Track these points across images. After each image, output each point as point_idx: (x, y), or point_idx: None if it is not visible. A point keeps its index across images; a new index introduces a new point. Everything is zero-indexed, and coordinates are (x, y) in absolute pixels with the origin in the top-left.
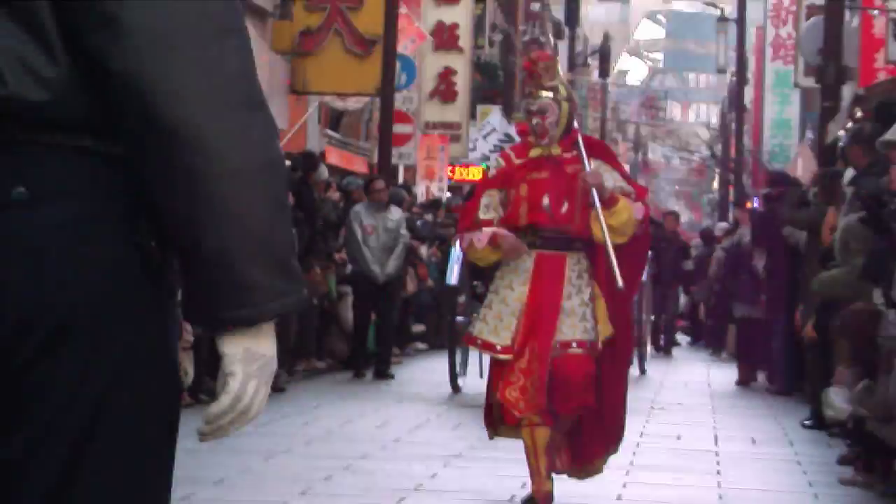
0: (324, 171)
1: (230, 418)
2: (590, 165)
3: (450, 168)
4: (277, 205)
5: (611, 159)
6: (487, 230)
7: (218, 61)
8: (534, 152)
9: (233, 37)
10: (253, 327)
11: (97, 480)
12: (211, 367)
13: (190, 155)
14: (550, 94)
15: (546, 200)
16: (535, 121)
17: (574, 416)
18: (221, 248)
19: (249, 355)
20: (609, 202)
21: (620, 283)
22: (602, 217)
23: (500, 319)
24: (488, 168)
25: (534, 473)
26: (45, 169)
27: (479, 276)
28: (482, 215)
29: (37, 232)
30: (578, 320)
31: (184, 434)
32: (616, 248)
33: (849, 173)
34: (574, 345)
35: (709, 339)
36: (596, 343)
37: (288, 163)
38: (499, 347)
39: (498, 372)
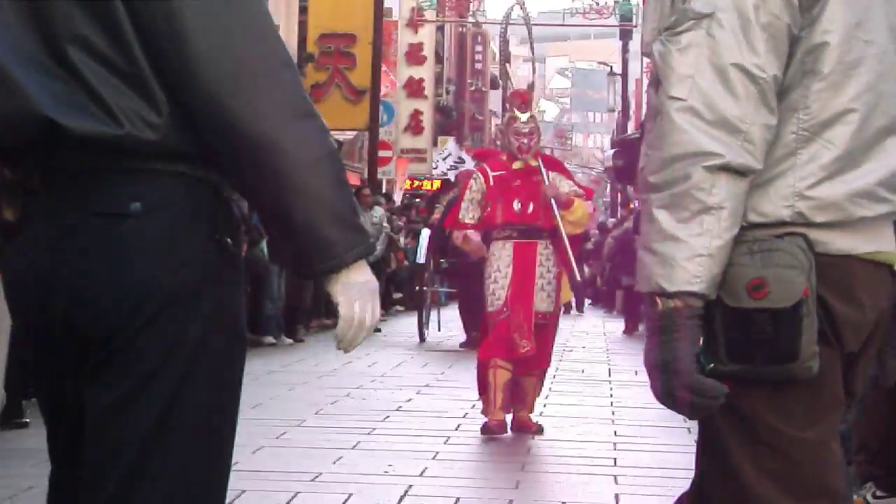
0: None
1: (352, 333)
2: (548, 177)
3: (413, 181)
4: (339, 182)
5: (564, 171)
6: (470, 233)
7: (283, 86)
8: (516, 164)
9: (286, 69)
10: (344, 269)
11: (193, 408)
12: None
13: (271, 158)
14: (533, 121)
15: (517, 204)
16: (524, 140)
17: (539, 372)
18: (307, 220)
19: (346, 287)
20: (567, 204)
21: (578, 277)
22: (559, 217)
23: (494, 294)
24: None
25: (490, 405)
26: (153, 189)
27: (444, 255)
28: (464, 218)
29: (148, 235)
30: (546, 295)
31: None
32: (571, 237)
33: None
34: (542, 317)
35: (604, 301)
36: (555, 313)
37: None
38: (493, 311)
39: (485, 326)
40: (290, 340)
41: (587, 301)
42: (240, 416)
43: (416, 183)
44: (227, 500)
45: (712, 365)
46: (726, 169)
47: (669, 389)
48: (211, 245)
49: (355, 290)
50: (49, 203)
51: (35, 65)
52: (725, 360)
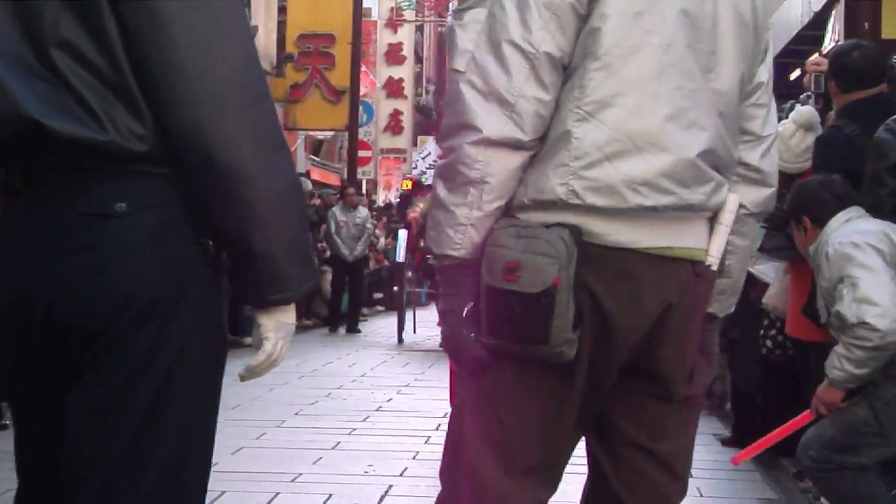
0: (308, 185)
1: (264, 367)
2: None
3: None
4: (301, 215)
5: None
6: None
7: (256, 119)
8: None
9: (265, 99)
10: (285, 305)
11: (176, 408)
12: None
13: (241, 188)
14: None
15: None
16: None
17: None
18: (267, 251)
19: (279, 325)
20: None
21: None
22: None
23: None
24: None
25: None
26: (138, 189)
27: (428, 253)
28: None
29: (133, 235)
30: None
31: None
32: None
33: None
34: None
35: None
36: None
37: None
38: None
39: None
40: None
41: None
42: (220, 417)
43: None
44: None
45: (473, 334)
46: (490, 143)
47: (446, 337)
48: (195, 247)
49: (284, 331)
50: (32, 202)
51: (21, 65)
52: (485, 331)
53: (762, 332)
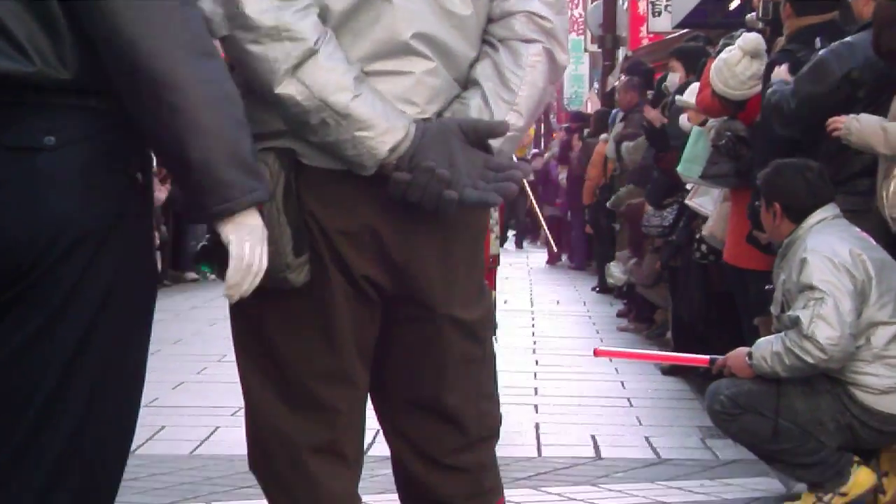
0: None
1: (241, 276)
2: None
3: None
4: (238, 124)
5: None
6: None
7: (182, 24)
8: None
9: (190, 6)
10: (238, 212)
11: (107, 340)
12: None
13: (169, 94)
14: None
15: None
16: None
17: None
18: (203, 159)
19: (240, 225)
20: None
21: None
22: None
23: None
24: None
25: None
26: (67, 123)
27: None
28: None
29: (62, 168)
30: (495, 237)
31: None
32: None
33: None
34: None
35: (526, 232)
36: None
37: None
38: None
39: None
40: (213, 276)
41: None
42: (161, 352)
43: None
44: (148, 436)
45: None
46: None
47: None
48: (124, 179)
49: (246, 231)
50: None
51: None
52: (198, 264)
53: (695, 243)
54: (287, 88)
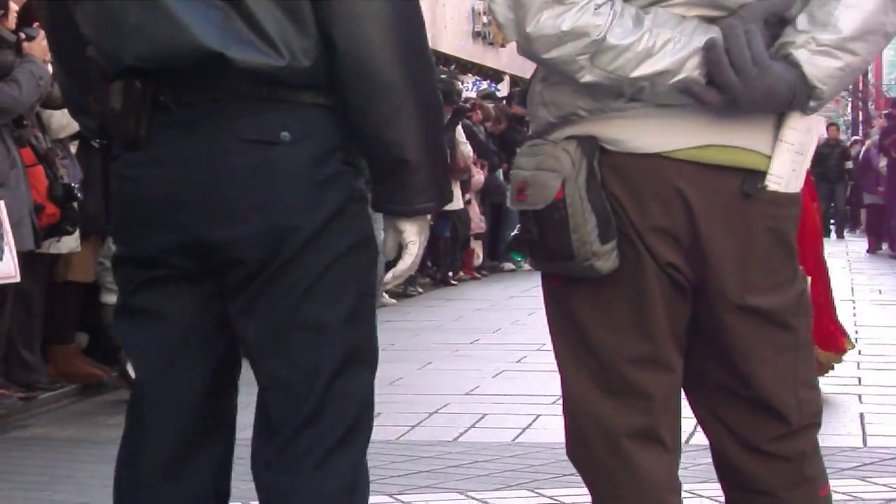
0: None
1: (408, 272)
2: None
3: None
4: (442, 129)
5: None
6: None
7: (410, 38)
8: None
9: (418, 19)
10: (429, 213)
11: (350, 317)
12: None
13: (399, 100)
14: None
15: None
16: None
17: None
18: (419, 160)
19: (422, 229)
20: None
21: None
22: None
23: None
24: None
25: None
26: (299, 119)
27: None
28: None
29: (295, 162)
30: None
31: None
32: None
33: None
34: None
35: (846, 221)
36: None
37: None
38: None
39: None
40: (528, 266)
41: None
42: (479, 341)
43: None
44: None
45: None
46: None
47: None
48: (349, 170)
49: (424, 235)
50: (188, 121)
51: None
52: (526, 254)
53: None
54: (592, 77)
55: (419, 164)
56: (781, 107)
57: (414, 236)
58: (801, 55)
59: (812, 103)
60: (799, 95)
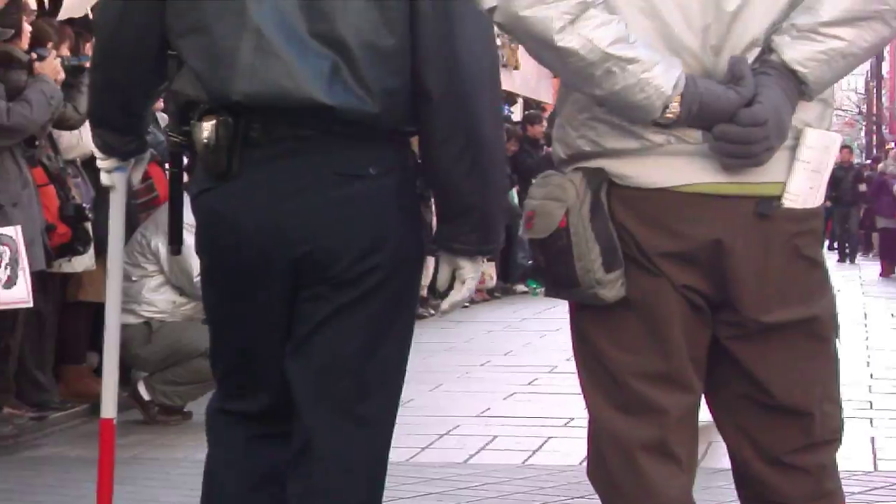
0: None
1: (460, 304)
2: None
3: None
4: (507, 182)
5: None
6: None
7: (494, 98)
8: None
9: (497, 82)
10: (488, 255)
11: (398, 323)
12: None
13: (483, 155)
14: None
15: None
16: None
17: None
18: (490, 209)
19: (477, 269)
20: None
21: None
22: None
23: None
24: None
25: None
26: (382, 154)
27: None
28: None
29: (381, 194)
30: None
31: None
32: None
33: None
34: None
35: (858, 245)
36: None
37: None
38: None
39: None
40: (541, 292)
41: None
42: (490, 363)
43: None
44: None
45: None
46: None
47: None
48: (417, 196)
49: (478, 272)
50: (279, 156)
51: (300, 41)
52: (537, 281)
53: None
54: (569, 41)
55: (490, 213)
56: (791, 113)
57: (471, 273)
58: (780, 41)
59: (804, 88)
60: (790, 93)
